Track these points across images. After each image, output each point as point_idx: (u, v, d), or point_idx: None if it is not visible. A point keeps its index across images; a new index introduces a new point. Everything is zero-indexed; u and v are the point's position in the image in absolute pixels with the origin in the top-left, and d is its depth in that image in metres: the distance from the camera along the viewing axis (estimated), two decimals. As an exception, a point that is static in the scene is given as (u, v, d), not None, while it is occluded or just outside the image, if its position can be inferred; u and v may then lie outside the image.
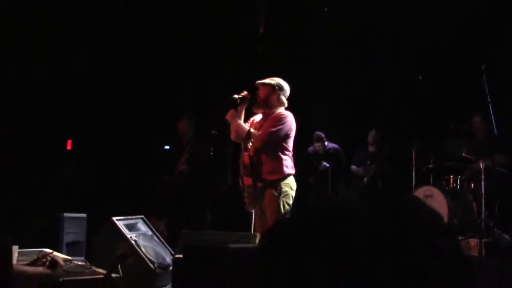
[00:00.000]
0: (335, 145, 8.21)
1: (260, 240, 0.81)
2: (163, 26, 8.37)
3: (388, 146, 7.69)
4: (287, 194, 4.63)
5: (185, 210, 6.62)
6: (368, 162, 7.87)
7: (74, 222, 5.71)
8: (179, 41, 8.52)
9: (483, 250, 5.50)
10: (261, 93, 4.75)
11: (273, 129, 4.65)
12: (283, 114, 4.73)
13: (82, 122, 8.00)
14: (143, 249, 4.80)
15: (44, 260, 3.84)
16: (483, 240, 5.57)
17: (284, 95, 4.81)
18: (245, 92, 4.75)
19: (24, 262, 3.90)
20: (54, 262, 3.80)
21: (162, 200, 6.82)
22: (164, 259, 4.93)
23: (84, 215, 5.86)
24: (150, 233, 5.25)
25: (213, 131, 5.12)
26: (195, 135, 6.98)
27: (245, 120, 4.86)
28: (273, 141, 4.66)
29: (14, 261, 3.84)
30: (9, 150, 7.25)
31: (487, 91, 5.93)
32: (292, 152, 4.78)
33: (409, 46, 7.84)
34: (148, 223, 5.37)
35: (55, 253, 4.11)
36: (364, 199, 0.73)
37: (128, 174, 7.79)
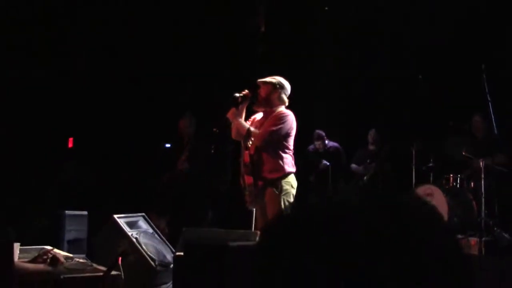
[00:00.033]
0: (335, 144, 8.23)
1: (259, 236, 0.79)
2: (163, 26, 8.37)
3: (388, 145, 7.71)
4: (288, 192, 4.63)
5: (186, 208, 6.63)
6: (368, 161, 7.89)
7: (75, 219, 5.72)
8: (179, 41, 8.52)
9: (483, 249, 5.52)
10: (262, 92, 4.76)
11: (274, 128, 4.66)
12: (284, 113, 4.74)
13: (83, 121, 8.01)
14: (144, 247, 4.80)
15: (45, 257, 3.83)
16: (483, 239, 5.59)
17: (285, 94, 4.82)
18: (246, 91, 4.76)
19: (25, 260, 3.89)
20: (55, 259, 3.79)
21: (163, 198, 6.83)
22: (165, 256, 4.94)
23: (85, 212, 5.87)
24: (151, 230, 5.25)
25: (214, 130, 5.13)
26: (195, 133, 6.99)
27: (246, 119, 4.87)
28: (274, 140, 4.66)
29: (16, 258, 3.83)
30: (9, 150, 7.25)
31: (487, 91, 5.95)
32: (292, 150, 4.79)
33: (409, 46, 7.85)
34: (149, 221, 5.38)
35: (56, 250, 4.11)
36: (364, 198, 0.73)
37: (129, 172, 7.79)
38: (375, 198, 0.73)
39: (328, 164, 7.96)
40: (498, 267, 5.09)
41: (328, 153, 8.14)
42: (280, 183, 4.62)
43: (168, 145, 8.05)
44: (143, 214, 5.39)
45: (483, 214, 5.89)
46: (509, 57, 6.88)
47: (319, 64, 8.77)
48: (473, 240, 5.74)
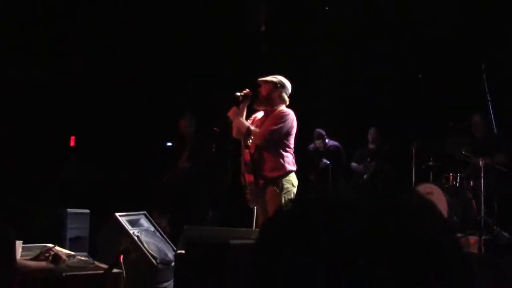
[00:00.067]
0: (335, 143, 8.25)
1: (259, 232, 0.79)
2: (163, 26, 8.38)
3: (388, 144, 7.72)
4: (289, 191, 4.65)
5: (187, 206, 6.64)
6: (368, 160, 7.90)
7: (77, 217, 5.73)
8: (179, 41, 8.53)
9: (483, 248, 5.54)
10: (263, 90, 4.78)
11: (275, 127, 4.67)
12: (285, 112, 4.75)
13: (84, 120, 8.02)
14: (145, 245, 4.81)
15: (47, 254, 3.85)
16: (483, 238, 5.61)
17: (286, 93, 4.83)
18: (247, 90, 4.78)
19: (28, 257, 3.91)
20: (56, 257, 3.80)
21: (164, 197, 6.84)
22: (166, 254, 4.95)
23: (88, 210, 5.89)
24: (152, 229, 5.26)
25: (215, 129, 5.14)
26: (196, 132, 7.00)
27: (247, 118, 4.89)
28: (274, 138, 4.68)
29: (18, 256, 3.84)
30: (11, 149, 7.25)
31: (486, 90, 5.97)
32: (293, 149, 4.81)
33: (409, 46, 7.86)
34: (151, 219, 5.39)
35: (58, 248, 4.12)
36: (364, 197, 0.73)
37: (131, 171, 7.80)
38: (375, 196, 0.73)
39: (329, 163, 7.98)
40: (498, 265, 5.11)
41: (328, 152, 8.16)
42: (281, 181, 4.64)
43: (169, 144, 8.06)
44: (145, 212, 5.39)
45: (482, 213, 5.91)
46: (509, 57, 6.89)
47: (319, 64, 8.78)
48: (473, 238, 5.76)
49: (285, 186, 4.64)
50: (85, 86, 8.08)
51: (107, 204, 6.34)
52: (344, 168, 8.08)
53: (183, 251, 4.26)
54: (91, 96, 8.00)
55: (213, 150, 5.49)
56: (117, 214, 4.96)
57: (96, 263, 4.04)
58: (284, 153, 4.71)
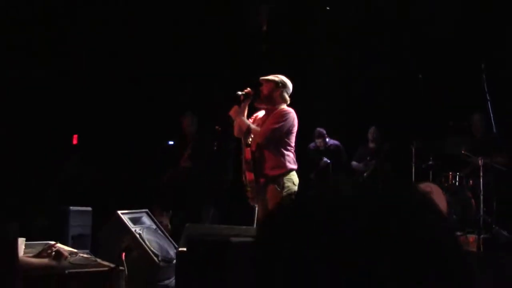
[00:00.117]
0: (336, 142, 8.27)
1: (258, 228, 0.79)
2: (163, 26, 8.39)
3: (388, 143, 7.74)
4: (290, 189, 4.65)
5: (188, 204, 6.66)
6: (368, 158, 7.92)
7: (80, 215, 5.76)
8: (179, 41, 8.54)
9: (481, 246, 5.56)
10: (265, 89, 4.80)
11: (276, 125, 4.69)
12: (286, 110, 4.77)
13: (86, 119, 8.02)
14: (147, 243, 4.82)
15: (49, 251, 3.86)
16: (482, 236, 5.64)
17: (287, 92, 4.85)
18: (249, 89, 4.80)
19: (30, 254, 3.91)
20: (58, 254, 3.81)
21: (166, 195, 6.85)
22: (168, 252, 4.96)
23: (90, 208, 5.90)
24: (154, 226, 5.27)
25: (216, 128, 5.16)
26: (198, 131, 7.01)
27: (249, 116, 4.91)
28: (275, 137, 4.70)
29: (21, 253, 3.85)
30: (14, 148, 7.26)
31: (486, 90, 6.00)
32: (294, 148, 4.83)
33: (409, 46, 7.88)
34: (152, 217, 5.40)
35: (60, 245, 4.13)
36: (364, 196, 0.72)
37: (133, 169, 7.81)
38: (375, 195, 0.72)
39: (329, 161, 8.00)
40: (496, 264, 5.13)
41: (328, 151, 8.18)
42: (282, 180, 4.65)
43: (171, 143, 8.08)
44: (147, 210, 5.41)
45: (481, 212, 5.94)
46: (509, 57, 6.90)
47: (319, 64, 8.79)
48: (472, 237, 5.79)
49: (286, 185, 4.65)
50: (86, 85, 8.08)
51: (109, 202, 6.35)
52: (344, 167, 8.09)
53: (184, 249, 4.27)
54: (92, 96, 8.01)
55: (215, 148, 5.50)
56: (119, 212, 4.97)
57: (98, 260, 4.04)
58: (285, 152, 4.72)
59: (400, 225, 0.68)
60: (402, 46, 7.96)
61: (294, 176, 4.74)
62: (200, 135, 6.90)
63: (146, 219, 5.31)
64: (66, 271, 3.59)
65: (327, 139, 8.22)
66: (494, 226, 5.93)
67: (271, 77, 4.83)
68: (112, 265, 3.67)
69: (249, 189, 4.76)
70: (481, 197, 5.95)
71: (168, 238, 5.27)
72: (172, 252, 4.97)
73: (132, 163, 7.86)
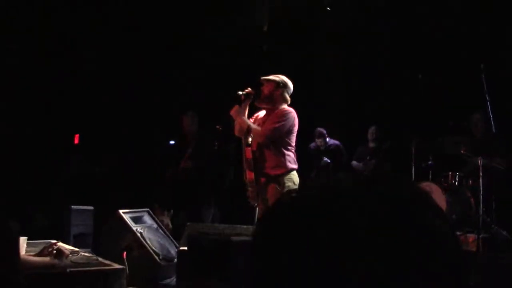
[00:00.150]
0: (336, 142, 8.27)
1: (258, 224, 0.80)
2: (164, 25, 8.40)
3: (387, 142, 7.74)
4: (290, 189, 4.68)
5: (189, 204, 6.67)
6: (368, 158, 7.93)
7: (81, 214, 5.77)
8: (180, 40, 8.55)
9: (481, 246, 5.57)
10: (265, 89, 4.81)
11: (276, 125, 4.70)
12: (286, 110, 4.78)
13: (87, 118, 8.04)
14: (148, 242, 4.84)
15: (50, 250, 3.87)
16: (481, 236, 5.63)
17: (288, 92, 4.86)
18: (249, 89, 4.81)
19: (32, 253, 3.93)
20: (60, 252, 3.82)
21: (167, 194, 6.87)
22: (169, 251, 4.98)
23: (91, 207, 5.92)
24: (155, 226, 5.29)
25: (217, 127, 5.17)
26: (199, 131, 7.03)
27: (249, 116, 4.92)
28: (276, 137, 4.71)
29: (23, 252, 3.86)
30: (15, 147, 7.27)
31: (486, 90, 6.01)
32: (294, 147, 4.84)
33: (409, 46, 7.89)
34: (154, 216, 5.42)
35: (61, 244, 4.14)
36: (364, 194, 0.72)
37: (134, 169, 7.83)
38: (375, 193, 0.72)
39: (329, 161, 8.01)
40: (496, 263, 5.14)
41: (329, 150, 8.19)
42: (283, 179, 4.66)
43: (172, 142, 8.09)
44: (148, 209, 5.43)
45: (481, 212, 5.93)
46: (509, 57, 6.91)
47: (319, 64, 8.80)
48: (471, 237, 5.80)
49: (286, 184, 4.66)
50: (88, 85, 8.10)
51: (110, 201, 6.37)
52: (344, 166, 8.09)
53: (185, 248, 4.30)
54: (94, 95, 8.02)
55: (215, 148, 5.52)
56: (120, 211, 4.99)
57: (100, 259, 4.06)
58: (286, 151, 4.73)
59: (400, 222, 0.68)
60: (402, 46, 7.96)
61: (294, 176, 4.75)
62: (201, 135, 6.90)
63: (147, 218, 5.33)
64: (68, 270, 3.60)
65: (327, 139, 8.22)
66: (494, 226, 5.94)
67: (272, 77, 4.84)
68: (113, 264, 3.69)
69: (249, 188, 4.77)
70: (481, 197, 5.93)
71: (169, 237, 5.29)
72: (173, 251, 4.99)
73: (133, 162, 7.88)
